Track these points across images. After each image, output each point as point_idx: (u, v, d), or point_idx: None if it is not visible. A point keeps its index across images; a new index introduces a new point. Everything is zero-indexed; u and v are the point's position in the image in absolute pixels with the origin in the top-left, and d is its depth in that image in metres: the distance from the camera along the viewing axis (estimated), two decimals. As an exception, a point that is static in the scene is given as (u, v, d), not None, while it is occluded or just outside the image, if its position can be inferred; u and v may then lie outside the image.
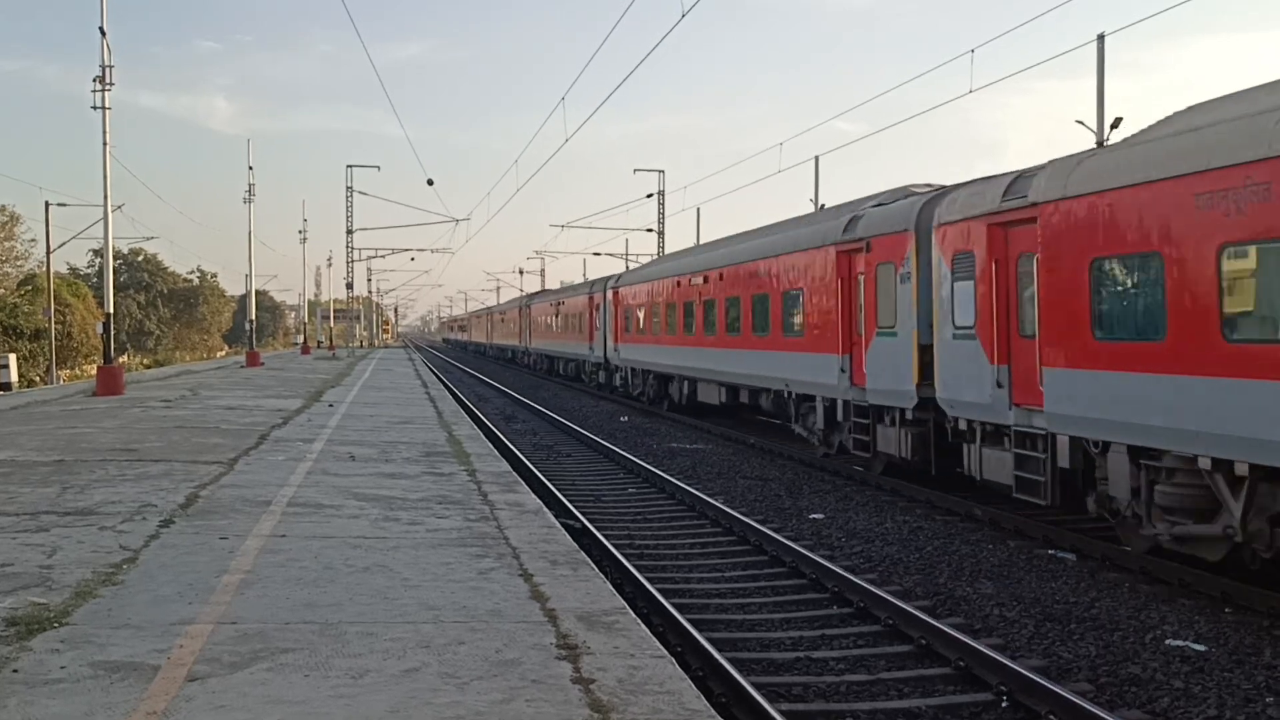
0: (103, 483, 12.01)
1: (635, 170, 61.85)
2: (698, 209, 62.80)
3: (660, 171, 58.21)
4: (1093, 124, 27.33)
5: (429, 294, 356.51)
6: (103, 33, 26.80)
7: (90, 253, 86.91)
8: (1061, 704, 6.94)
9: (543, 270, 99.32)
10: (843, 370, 17.14)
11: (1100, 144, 24.65)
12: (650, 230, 59.06)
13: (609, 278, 39.28)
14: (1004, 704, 7.36)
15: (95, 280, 73.40)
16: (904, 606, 9.20)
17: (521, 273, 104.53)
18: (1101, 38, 26.61)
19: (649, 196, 58.23)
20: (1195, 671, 8.00)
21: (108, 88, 27.10)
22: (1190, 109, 10.43)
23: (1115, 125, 26.35)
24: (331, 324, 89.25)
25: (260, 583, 7.52)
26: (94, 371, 35.79)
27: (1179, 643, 8.67)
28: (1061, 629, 9.12)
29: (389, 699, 5.25)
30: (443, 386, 36.57)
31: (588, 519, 13.26)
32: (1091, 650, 8.54)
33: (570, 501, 14.54)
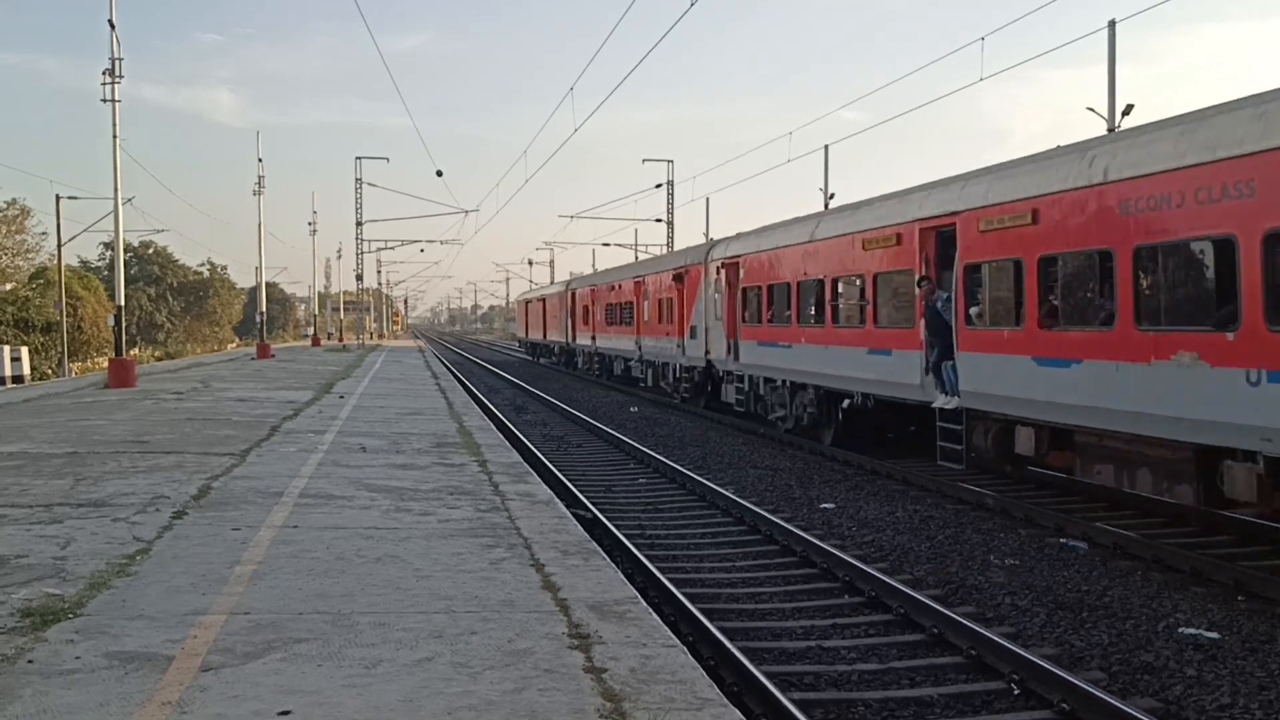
0: (115, 475, 12.06)
1: (644, 160, 62.02)
2: (707, 199, 62.45)
3: (669, 161, 58.03)
4: (1104, 110, 27.19)
5: (438, 285, 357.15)
6: (112, 25, 26.83)
7: (101, 246, 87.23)
8: (1074, 692, 6.93)
9: (551, 261, 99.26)
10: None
11: (1111, 130, 24.52)
12: (659, 220, 59.11)
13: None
14: (1016, 692, 7.36)
15: (106, 273, 73.60)
16: (915, 595, 9.20)
17: (531, 264, 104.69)
18: (1113, 24, 26.45)
19: (658, 187, 58.28)
20: (1208, 660, 7.99)
21: (117, 80, 27.15)
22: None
23: (1126, 112, 26.22)
24: (341, 316, 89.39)
25: (272, 573, 7.54)
26: (105, 364, 35.92)
27: (1192, 631, 8.65)
28: (1073, 617, 9.10)
29: (401, 689, 5.26)
30: (453, 378, 36.63)
31: (598, 509, 13.27)
32: (1104, 638, 8.53)
33: (581, 492, 14.57)
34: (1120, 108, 26.45)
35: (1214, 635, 8.55)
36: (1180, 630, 8.69)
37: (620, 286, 36.67)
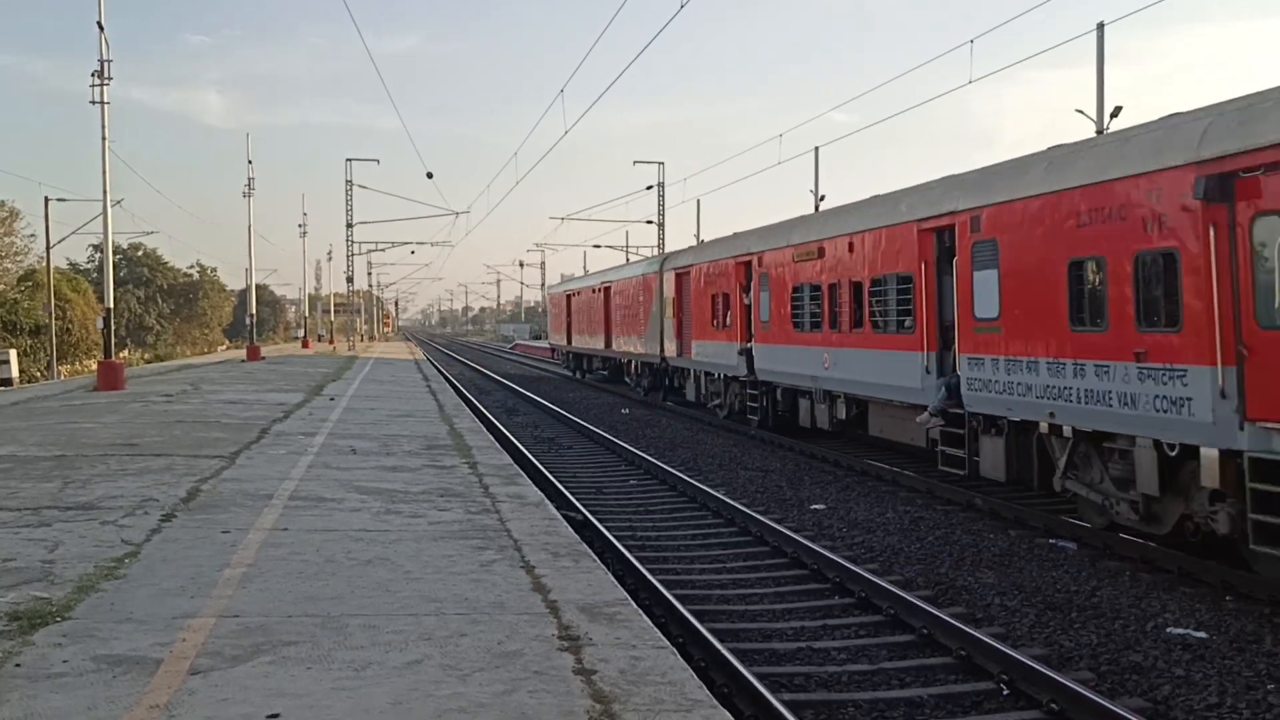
0: (104, 477, 12.02)
1: (635, 162, 61.98)
2: (698, 200, 62.50)
3: (660, 163, 58.05)
4: (1092, 113, 27.32)
5: (429, 287, 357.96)
6: (100, 27, 26.75)
7: (90, 248, 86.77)
8: (1063, 692, 6.96)
9: (543, 263, 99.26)
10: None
11: (1099, 132, 24.62)
12: (650, 222, 59.19)
13: None
14: (1005, 693, 7.38)
15: (95, 275, 73.32)
16: (905, 596, 9.22)
17: (522, 265, 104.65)
18: (1101, 27, 26.58)
19: (649, 188, 58.39)
20: (1196, 659, 8.02)
21: (106, 82, 27.07)
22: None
23: (1115, 114, 26.35)
24: (332, 318, 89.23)
25: (262, 576, 7.53)
26: (94, 367, 35.79)
27: (1180, 631, 8.69)
28: (1062, 618, 9.13)
29: (391, 691, 5.25)
30: (444, 380, 36.59)
31: (589, 511, 13.27)
32: (1092, 639, 8.56)
33: (571, 493, 14.56)
34: (1109, 110, 26.59)
35: (1202, 635, 8.58)
36: (1168, 630, 8.72)
37: (839, 246, 17.66)
